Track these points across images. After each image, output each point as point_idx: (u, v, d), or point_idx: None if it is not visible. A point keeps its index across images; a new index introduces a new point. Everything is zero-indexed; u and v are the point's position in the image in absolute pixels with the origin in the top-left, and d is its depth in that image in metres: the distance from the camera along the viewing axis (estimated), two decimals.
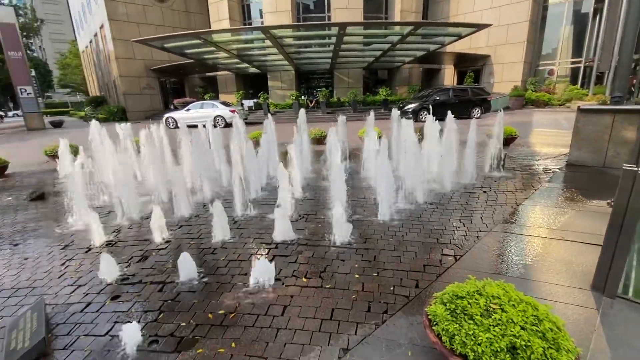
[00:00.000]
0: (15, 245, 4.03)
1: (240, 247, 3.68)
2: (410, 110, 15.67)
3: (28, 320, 2.47)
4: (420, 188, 4.95)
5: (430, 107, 15.63)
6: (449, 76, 27.44)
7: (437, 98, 16.11)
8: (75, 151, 6.79)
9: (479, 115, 16.47)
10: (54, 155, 8.62)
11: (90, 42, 31.78)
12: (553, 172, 6.10)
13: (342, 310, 2.53)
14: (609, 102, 6.59)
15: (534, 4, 21.53)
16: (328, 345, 2.20)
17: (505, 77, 23.25)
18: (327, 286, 2.85)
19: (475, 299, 1.81)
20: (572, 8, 21.45)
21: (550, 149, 8.17)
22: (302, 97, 23.39)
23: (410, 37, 17.00)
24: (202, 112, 17.65)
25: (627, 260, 2.54)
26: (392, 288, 2.78)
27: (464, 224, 4.00)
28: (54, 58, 64.18)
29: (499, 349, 1.57)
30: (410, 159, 5.11)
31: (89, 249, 3.78)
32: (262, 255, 2.94)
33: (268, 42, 17.20)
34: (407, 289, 2.76)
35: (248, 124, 17.15)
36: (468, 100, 16.37)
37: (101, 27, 25.66)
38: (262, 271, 2.94)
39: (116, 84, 25.98)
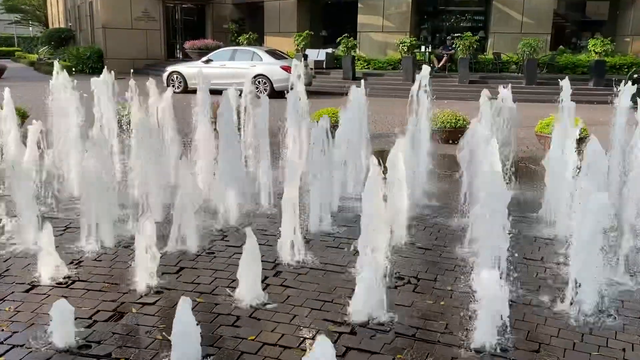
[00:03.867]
0: None
1: (285, 320, 3.86)
2: None
3: None
4: None
5: None
6: None
7: None
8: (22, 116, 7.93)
9: None
10: None
11: None
12: None
13: None
14: None
15: None
16: None
17: None
18: None
19: None
20: None
21: None
22: (423, 47, 23.57)
23: None
24: (233, 66, 18.95)
25: None
26: None
27: None
28: None
29: None
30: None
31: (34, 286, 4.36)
32: (325, 345, 3.02)
33: None
34: None
35: (312, 93, 17.79)
36: None
37: None
38: None
39: (93, 8, 29.55)
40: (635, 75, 15.65)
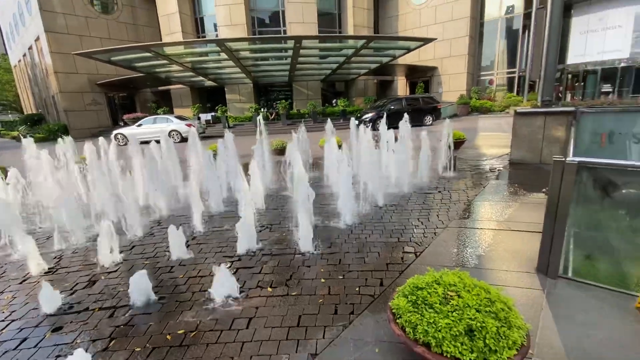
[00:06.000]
0: None
1: (200, 262, 3.51)
2: (367, 119, 16.24)
3: None
4: (381, 192, 5.13)
5: (386, 115, 16.45)
6: (401, 87, 28.98)
7: (392, 107, 16.91)
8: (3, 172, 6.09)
9: (430, 122, 17.52)
10: None
11: (24, 55, 29.10)
12: (498, 170, 6.64)
13: (309, 316, 2.50)
14: (540, 106, 7.38)
15: (472, 20, 23.69)
16: (296, 352, 2.15)
17: (452, 87, 25.08)
18: (294, 293, 2.81)
19: (434, 289, 1.89)
20: (504, 24, 23.92)
21: (495, 150, 8.91)
22: (262, 109, 23.33)
23: (363, 50, 17.78)
24: (155, 127, 16.85)
25: (564, 244, 2.81)
26: (357, 289, 2.81)
27: (422, 223, 4.19)
28: None
29: (457, 333, 1.64)
30: (369, 165, 5.29)
31: (25, 279, 3.38)
32: (224, 268, 2.83)
33: (224, 55, 17.00)
34: (372, 288, 2.80)
35: (206, 137, 16.68)
36: (420, 109, 17.37)
37: (37, 39, 23.66)
38: (224, 284, 2.82)
39: (56, 100, 23.97)
40: (359, 115, 17.24)
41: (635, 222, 2.99)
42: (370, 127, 13.37)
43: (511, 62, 24.18)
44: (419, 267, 3.06)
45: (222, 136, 6.56)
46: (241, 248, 3.67)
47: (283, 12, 22.99)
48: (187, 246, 3.85)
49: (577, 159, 2.63)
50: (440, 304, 1.79)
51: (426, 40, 18.35)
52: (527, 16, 21.74)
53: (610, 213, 3.01)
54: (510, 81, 24.43)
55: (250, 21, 22.81)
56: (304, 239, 3.64)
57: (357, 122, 7.52)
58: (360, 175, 5.46)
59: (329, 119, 7.56)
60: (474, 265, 3.03)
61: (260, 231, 4.26)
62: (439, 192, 5.50)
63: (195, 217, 4.47)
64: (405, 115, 6.52)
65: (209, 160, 5.55)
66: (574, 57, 20.28)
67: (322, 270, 3.17)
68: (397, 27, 27.39)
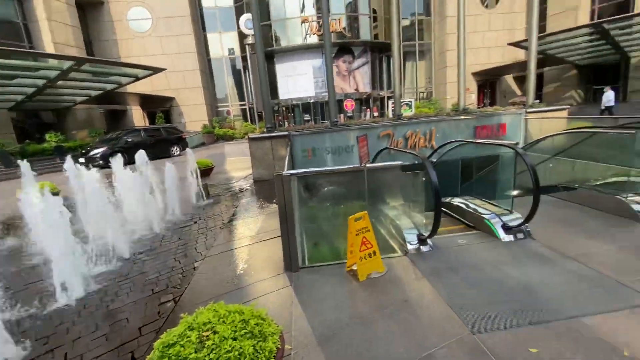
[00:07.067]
0: None
1: None
2: (98, 155, 13.41)
3: None
4: (124, 241, 4.25)
5: (123, 149, 14.36)
6: (138, 117, 26.34)
7: (130, 140, 14.96)
8: None
9: (178, 152, 17.04)
10: None
11: None
12: (245, 189, 7.37)
13: None
14: (266, 132, 8.93)
15: (199, 56, 25.42)
16: None
17: (193, 117, 25.72)
18: None
19: (188, 337, 1.67)
20: (229, 63, 27.46)
21: (240, 172, 9.87)
22: None
23: (76, 74, 14.56)
24: None
25: (298, 239, 3.42)
26: None
27: (179, 262, 3.84)
28: None
29: None
30: (103, 212, 4.26)
31: None
32: None
33: None
34: None
35: None
36: (165, 140, 16.48)
37: None
38: None
39: None
40: (84, 151, 13.89)
41: (334, 210, 4.15)
42: (102, 164, 11.10)
43: (241, 96, 28.16)
44: (179, 315, 2.71)
45: None
46: None
47: None
48: None
49: (290, 171, 3.28)
50: (196, 353, 1.59)
51: (155, 70, 17.71)
52: (245, 59, 26.04)
53: (319, 207, 4.01)
54: (244, 112, 28.37)
55: None
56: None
57: (83, 159, 5.95)
58: (92, 227, 4.29)
59: (23, 162, 5.42)
60: (235, 287, 3.07)
61: None
62: (195, 222, 5.31)
63: None
64: (142, 151, 5.85)
65: None
66: (283, 94, 26.45)
67: None
68: (118, 53, 24.71)
